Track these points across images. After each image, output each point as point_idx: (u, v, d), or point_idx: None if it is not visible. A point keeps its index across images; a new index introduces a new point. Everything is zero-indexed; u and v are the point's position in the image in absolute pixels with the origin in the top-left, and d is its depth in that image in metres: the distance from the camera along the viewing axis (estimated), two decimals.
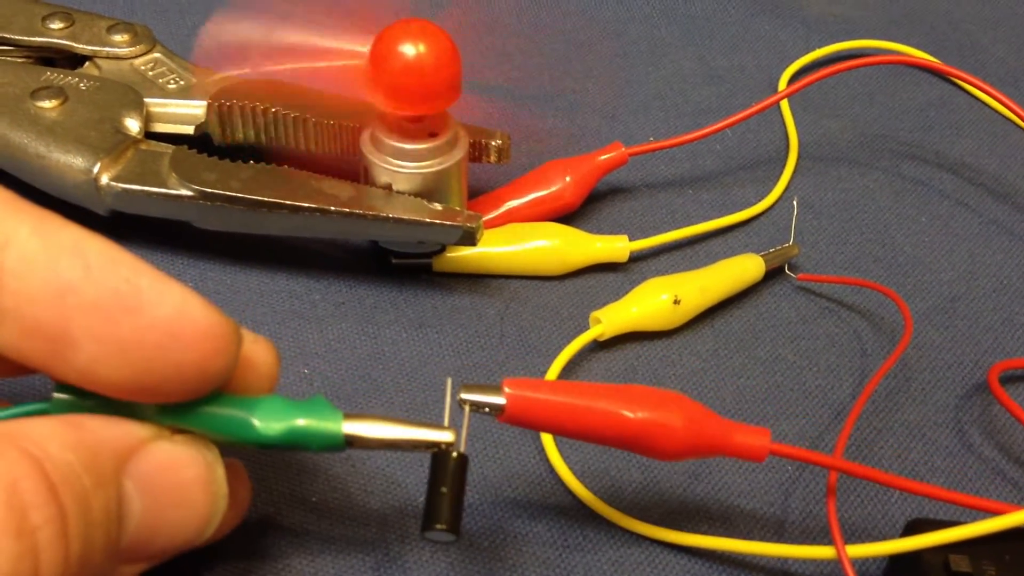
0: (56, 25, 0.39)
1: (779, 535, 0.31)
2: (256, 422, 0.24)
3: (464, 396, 0.26)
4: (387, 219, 0.34)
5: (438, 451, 0.26)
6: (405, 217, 0.34)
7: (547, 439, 0.32)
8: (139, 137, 0.36)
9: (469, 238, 0.34)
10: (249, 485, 0.27)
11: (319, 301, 0.36)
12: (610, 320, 0.35)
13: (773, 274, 0.38)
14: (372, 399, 0.33)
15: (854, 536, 0.31)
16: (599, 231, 0.39)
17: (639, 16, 0.51)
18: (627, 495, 0.31)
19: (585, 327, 0.35)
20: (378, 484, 0.31)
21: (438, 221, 0.34)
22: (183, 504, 0.23)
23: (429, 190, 0.35)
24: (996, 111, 0.47)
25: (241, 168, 0.35)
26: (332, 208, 0.34)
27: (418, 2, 0.49)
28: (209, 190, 0.34)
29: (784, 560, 0.30)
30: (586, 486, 0.31)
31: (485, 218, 0.37)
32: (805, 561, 0.30)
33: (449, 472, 0.25)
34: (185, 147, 0.35)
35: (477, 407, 0.26)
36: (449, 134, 0.35)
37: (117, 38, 0.39)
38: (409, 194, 0.35)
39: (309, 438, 0.25)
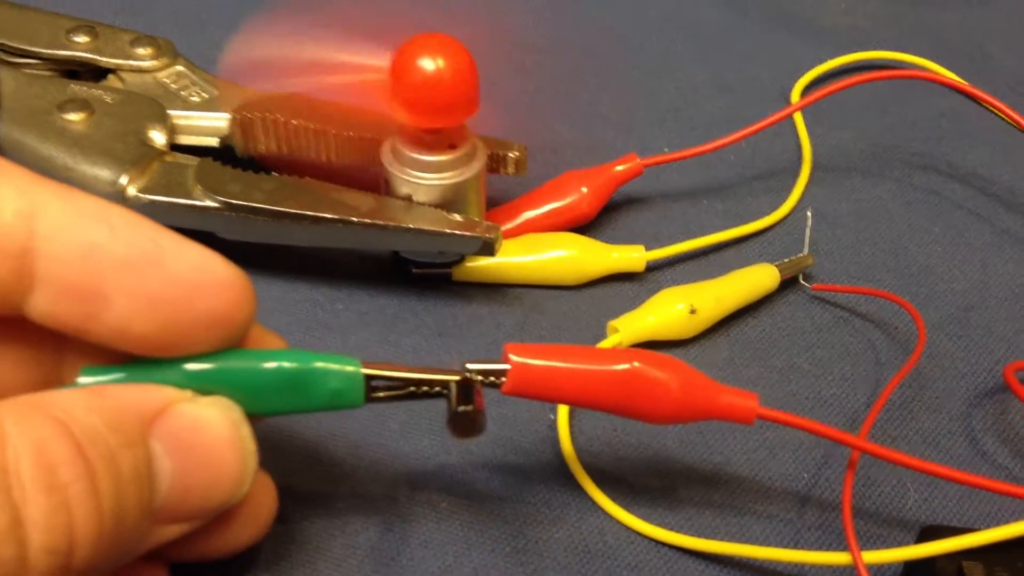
0: (80, 39, 0.40)
1: (795, 542, 0.31)
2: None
3: (470, 366, 0.27)
4: (408, 230, 0.35)
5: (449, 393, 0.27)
6: (425, 228, 0.35)
7: (566, 445, 0.33)
8: (164, 149, 0.36)
9: (488, 248, 0.35)
10: (275, 495, 0.28)
11: (341, 310, 0.37)
12: (627, 329, 0.35)
13: (788, 284, 0.39)
14: (393, 406, 0.34)
15: (868, 542, 0.31)
16: (615, 241, 0.39)
17: (654, 29, 0.51)
18: (646, 501, 0.32)
19: (602, 336, 0.36)
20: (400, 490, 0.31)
21: (458, 232, 0.35)
22: (212, 463, 0.24)
23: (448, 201, 0.35)
24: (1007, 121, 0.47)
25: (265, 180, 0.35)
26: (354, 219, 0.34)
27: (436, 16, 0.50)
28: (234, 201, 0.34)
29: (801, 566, 0.30)
30: (605, 492, 0.31)
31: (503, 228, 0.38)
32: (821, 567, 0.30)
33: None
34: (210, 159, 0.36)
35: (483, 375, 0.27)
36: (468, 146, 0.36)
37: (140, 51, 0.40)
38: (429, 205, 0.35)
39: (328, 376, 0.25)
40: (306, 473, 0.32)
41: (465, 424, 0.27)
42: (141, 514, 0.22)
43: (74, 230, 0.23)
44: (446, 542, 0.30)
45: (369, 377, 0.26)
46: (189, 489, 0.23)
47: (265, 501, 0.27)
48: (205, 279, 0.23)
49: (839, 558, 0.29)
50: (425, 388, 0.27)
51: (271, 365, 0.25)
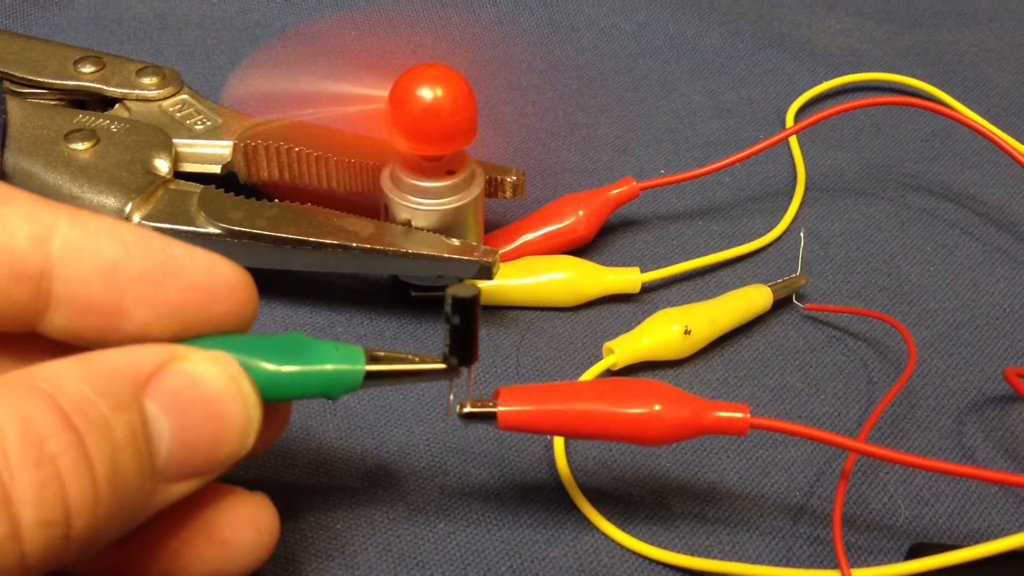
0: (87, 69, 0.41)
1: (788, 559, 0.32)
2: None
3: (465, 411, 0.28)
4: (407, 255, 0.35)
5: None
6: (424, 252, 0.35)
7: (562, 465, 0.33)
8: (168, 177, 0.37)
9: (486, 272, 0.36)
10: (276, 518, 0.28)
11: (341, 333, 0.37)
12: (623, 350, 0.36)
13: (781, 304, 0.39)
14: (393, 428, 0.34)
15: (859, 559, 0.32)
16: (611, 263, 0.40)
17: (650, 51, 0.52)
18: (640, 520, 0.32)
19: (599, 357, 0.37)
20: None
21: (456, 256, 0.35)
22: (213, 418, 0.23)
23: (447, 226, 0.36)
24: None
25: (266, 207, 0.36)
26: (354, 244, 0.35)
27: (435, 42, 0.51)
28: (236, 228, 0.35)
29: None
30: (600, 512, 0.32)
31: (501, 251, 0.38)
32: None
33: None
34: (213, 187, 0.37)
35: (477, 419, 0.28)
36: (466, 172, 0.37)
37: (146, 81, 0.41)
38: (428, 230, 0.36)
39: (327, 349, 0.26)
40: (304, 495, 0.32)
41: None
42: (142, 476, 0.22)
43: (90, 250, 0.24)
44: (443, 563, 0.31)
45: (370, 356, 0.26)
46: (192, 446, 0.23)
47: (266, 525, 0.27)
48: (217, 282, 0.25)
49: (829, 575, 0.30)
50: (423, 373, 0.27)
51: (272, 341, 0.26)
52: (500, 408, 0.28)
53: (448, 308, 0.26)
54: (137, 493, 0.22)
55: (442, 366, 0.27)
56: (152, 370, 0.23)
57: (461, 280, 0.38)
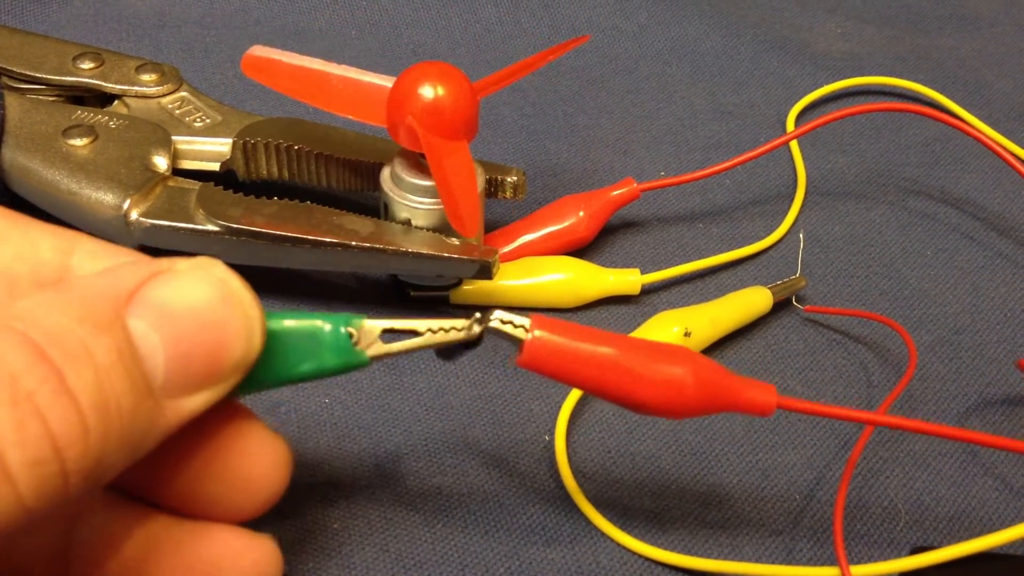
0: (86, 65, 0.41)
1: (787, 562, 0.31)
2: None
3: (490, 325, 0.26)
4: (406, 254, 0.35)
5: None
6: (424, 252, 0.35)
7: (563, 466, 0.33)
8: (167, 174, 0.37)
9: (485, 272, 0.35)
10: (286, 453, 0.27)
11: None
12: None
13: (781, 306, 0.39)
14: (391, 428, 0.34)
15: (859, 563, 0.31)
16: (612, 264, 0.40)
17: (651, 54, 0.52)
18: (640, 522, 0.32)
19: None
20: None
21: (456, 256, 0.35)
22: (209, 324, 0.22)
23: (447, 225, 0.36)
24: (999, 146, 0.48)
25: (265, 204, 0.36)
26: (353, 243, 0.35)
27: (435, 42, 0.51)
28: (235, 225, 0.35)
29: None
30: (601, 513, 0.32)
31: (501, 252, 0.38)
32: None
33: None
34: (211, 184, 0.36)
35: (501, 332, 0.26)
36: None
37: (145, 77, 0.40)
38: (427, 229, 0.36)
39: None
40: (301, 494, 0.32)
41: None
42: (138, 396, 0.21)
43: (108, 255, 0.24)
44: (441, 563, 0.31)
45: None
46: (192, 357, 0.22)
47: (277, 458, 0.26)
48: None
49: (828, 573, 0.29)
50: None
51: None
52: (536, 333, 0.26)
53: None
54: (136, 414, 0.21)
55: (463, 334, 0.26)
56: (133, 288, 0.22)
57: (461, 280, 0.38)
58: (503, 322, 0.26)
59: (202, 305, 0.22)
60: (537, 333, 0.26)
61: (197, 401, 0.23)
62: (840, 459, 0.34)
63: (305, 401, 0.35)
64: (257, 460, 0.25)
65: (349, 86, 0.37)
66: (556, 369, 0.26)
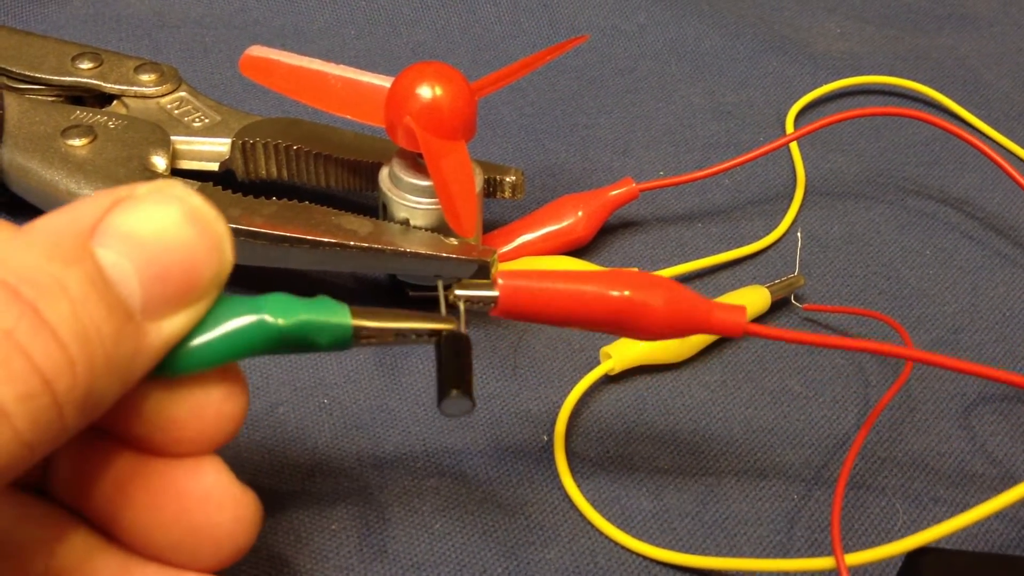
0: (85, 65, 0.41)
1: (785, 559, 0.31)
2: (267, 316, 0.24)
3: (459, 292, 0.27)
4: (404, 254, 0.35)
5: (439, 338, 0.26)
6: (422, 252, 0.35)
7: (561, 465, 0.33)
8: (166, 174, 0.37)
9: (484, 272, 0.35)
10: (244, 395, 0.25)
11: None
12: (620, 355, 0.36)
13: (780, 305, 0.39)
14: (389, 428, 0.34)
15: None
16: (611, 264, 0.40)
17: (650, 53, 0.52)
18: (638, 522, 0.32)
19: (596, 360, 0.36)
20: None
21: (454, 256, 0.35)
22: (178, 245, 0.22)
23: (445, 225, 0.36)
24: (999, 146, 0.48)
25: (264, 204, 0.36)
26: (351, 243, 0.35)
27: (434, 42, 0.51)
28: (234, 225, 0.35)
29: None
30: (599, 512, 0.32)
31: (499, 252, 0.38)
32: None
33: (454, 351, 0.26)
34: (210, 184, 0.36)
35: (472, 302, 0.27)
36: None
37: (144, 78, 0.40)
38: (426, 229, 0.36)
39: (319, 329, 0.25)
40: (299, 495, 0.32)
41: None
42: (119, 321, 0.21)
43: None
44: (439, 563, 0.31)
45: (357, 320, 0.25)
46: (165, 277, 0.22)
47: (242, 516, 0.25)
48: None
49: (823, 563, 0.29)
50: (413, 336, 0.26)
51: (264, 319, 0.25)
52: (502, 282, 0.27)
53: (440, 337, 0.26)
54: (120, 340, 0.21)
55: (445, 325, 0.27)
56: (95, 220, 0.22)
57: (459, 280, 0.38)
58: (472, 288, 0.27)
59: (168, 226, 0.22)
60: (502, 282, 0.27)
61: (179, 322, 0.23)
62: (837, 459, 0.34)
63: (303, 402, 0.35)
64: (222, 515, 0.25)
65: (347, 86, 0.37)
66: (530, 310, 0.28)
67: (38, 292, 0.20)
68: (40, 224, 0.22)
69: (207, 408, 0.24)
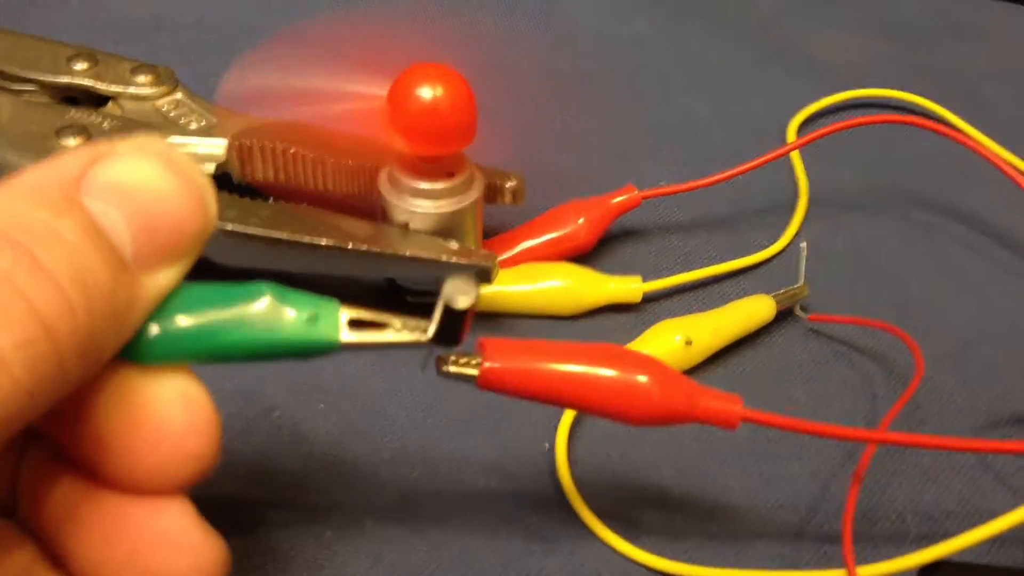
0: (80, 66, 0.40)
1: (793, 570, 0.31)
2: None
3: (445, 369, 0.26)
4: (404, 257, 0.34)
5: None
6: (421, 255, 0.34)
7: (563, 473, 0.32)
8: None
9: (485, 276, 0.35)
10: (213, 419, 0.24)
11: None
12: None
13: (784, 316, 0.39)
14: (386, 435, 0.33)
15: None
16: (612, 272, 0.39)
17: (653, 61, 0.52)
18: (642, 531, 0.31)
19: None
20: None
21: (454, 259, 0.34)
22: (164, 197, 0.22)
23: (445, 229, 0.35)
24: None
25: (261, 206, 0.35)
26: (350, 245, 0.34)
27: (434, 49, 0.50)
28: (230, 227, 0.34)
29: None
30: (602, 522, 0.31)
31: (500, 258, 0.38)
32: None
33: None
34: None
35: (456, 377, 0.26)
36: (465, 174, 0.36)
37: (140, 79, 0.40)
38: (426, 233, 0.35)
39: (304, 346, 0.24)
40: (290, 500, 0.31)
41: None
42: (114, 271, 0.21)
43: None
44: (437, 573, 0.30)
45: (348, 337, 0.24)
46: (155, 229, 0.22)
47: (203, 564, 0.24)
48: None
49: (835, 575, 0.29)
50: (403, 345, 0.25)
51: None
52: (478, 373, 0.26)
53: (441, 303, 0.25)
54: (117, 289, 0.21)
55: (425, 339, 0.25)
56: (79, 173, 0.21)
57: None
58: (456, 365, 0.26)
59: (152, 178, 0.22)
60: (487, 365, 0.26)
61: (170, 276, 0.22)
62: (845, 470, 0.34)
63: (299, 406, 0.34)
64: (178, 563, 0.23)
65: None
66: (516, 388, 0.26)
67: (32, 237, 0.19)
68: (23, 177, 0.21)
69: (166, 439, 0.23)
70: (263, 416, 0.34)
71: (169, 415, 0.23)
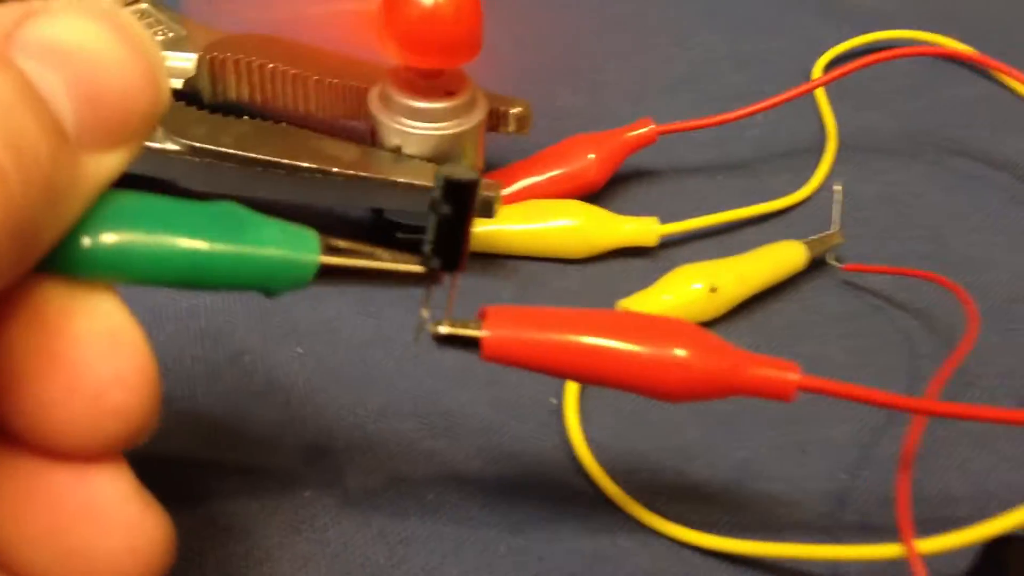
0: None
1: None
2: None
3: (439, 330, 0.22)
4: (395, 184, 0.30)
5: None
6: (416, 182, 0.30)
7: (574, 432, 0.28)
8: None
9: (486, 209, 0.31)
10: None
11: None
12: (640, 309, 0.31)
13: (815, 265, 0.35)
14: (372, 384, 0.29)
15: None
16: (625, 212, 0.35)
17: None
18: (663, 498, 0.27)
19: None
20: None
21: None
22: (108, 65, 0.18)
23: (443, 154, 0.31)
24: None
25: (234, 123, 0.31)
26: (334, 169, 0.30)
27: None
28: (198, 145, 0.30)
29: (843, 567, 0.26)
30: (619, 486, 0.27)
31: (503, 192, 0.34)
32: (868, 565, 0.26)
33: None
34: (172, 99, 0.31)
35: (455, 343, 0.22)
36: (467, 94, 0.32)
37: None
38: (421, 158, 0.31)
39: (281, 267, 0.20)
40: (263, 456, 0.27)
41: None
42: (52, 141, 0.17)
43: None
44: (431, 539, 0.26)
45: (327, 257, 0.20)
46: (98, 101, 0.18)
47: (140, 545, 0.19)
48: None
49: (889, 551, 0.25)
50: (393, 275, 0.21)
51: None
52: (486, 332, 0.22)
53: (438, 192, 0.20)
54: (57, 164, 0.17)
55: (419, 268, 0.21)
56: (8, 29, 0.18)
57: None
58: (452, 328, 0.22)
59: (96, 43, 0.18)
60: (492, 333, 0.22)
61: (114, 161, 0.18)
62: (888, 435, 0.30)
63: (273, 351, 0.30)
64: (107, 542, 0.19)
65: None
66: (526, 361, 0.22)
67: None
68: None
69: (84, 385, 0.18)
70: (231, 361, 0.29)
71: (89, 355, 0.18)
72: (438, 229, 0.20)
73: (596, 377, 0.22)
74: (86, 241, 0.18)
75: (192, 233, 0.19)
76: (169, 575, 0.19)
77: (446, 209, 0.20)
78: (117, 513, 0.19)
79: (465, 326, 0.22)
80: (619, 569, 0.26)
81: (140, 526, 0.19)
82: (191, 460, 0.27)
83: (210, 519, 0.26)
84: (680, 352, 0.22)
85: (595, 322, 0.23)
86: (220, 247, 0.19)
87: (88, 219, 0.18)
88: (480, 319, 0.22)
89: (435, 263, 0.21)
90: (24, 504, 0.18)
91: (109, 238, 0.18)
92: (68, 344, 0.18)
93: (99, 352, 0.18)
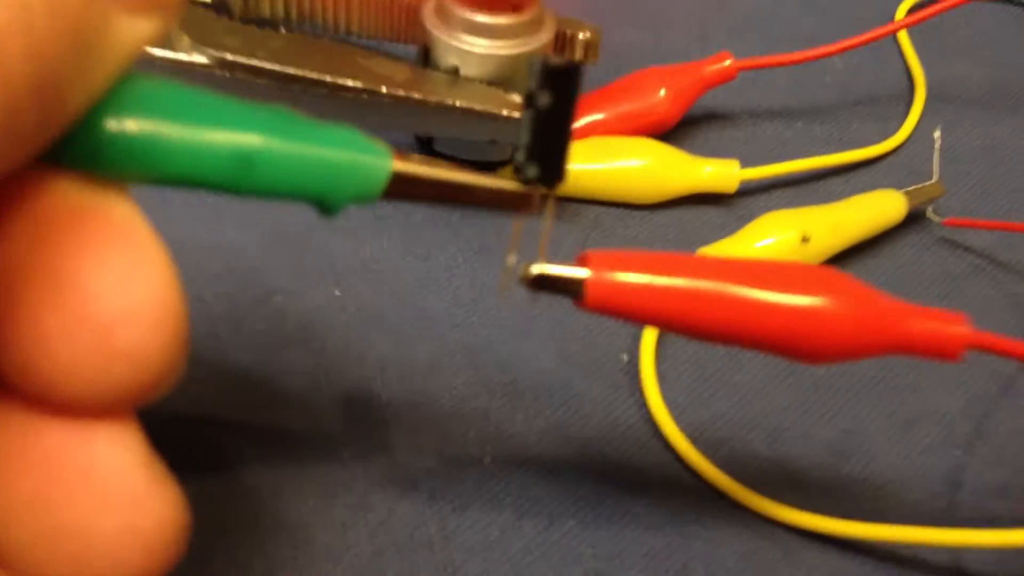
0: None
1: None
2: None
3: (537, 272, 0.18)
4: (452, 108, 0.27)
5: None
6: (475, 108, 0.27)
7: (651, 393, 0.25)
8: None
9: None
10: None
11: (354, 212, 0.29)
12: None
13: (911, 221, 0.31)
14: (422, 332, 0.26)
15: None
16: (700, 153, 0.32)
17: None
18: (753, 472, 0.24)
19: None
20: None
21: (516, 115, 0.27)
22: None
23: (505, 77, 0.28)
24: None
25: (270, 36, 0.27)
26: (384, 90, 0.27)
27: None
28: (230, 57, 0.27)
29: (956, 554, 0.23)
30: (701, 453, 0.24)
31: None
32: (991, 553, 0.23)
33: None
34: (201, 7, 0.28)
35: (553, 288, 0.19)
36: (534, 11, 0.28)
37: None
38: (480, 81, 0.28)
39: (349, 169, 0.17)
40: (299, 412, 0.24)
41: None
42: None
43: None
44: (490, 510, 0.23)
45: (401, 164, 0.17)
46: None
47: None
48: None
49: (1016, 538, 0.21)
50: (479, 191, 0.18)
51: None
52: (592, 274, 0.18)
53: (535, 82, 0.17)
54: (87, 16, 0.14)
55: (511, 185, 0.18)
56: None
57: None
58: (550, 270, 0.18)
59: None
60: (601, 276, 0.18)
61: (147, 27, 0.15)
62: (1004, 405, 0.26)
63: (308, 291, 0.27)
64: (101, 521, 0.15)
65: None
66: (637, 310, 0.19)
67: None
68: None
69: (89, 316, 0.14)
70: (261, 302, 0.26)
71: (100, 276, 0.14)
72: (534, 128, 0.17)
73: (723, 332, 0.19)
74: (111, 124, 0.14)
75: (240, 126, 0.15)
76: (186, 552, 0.16)
77: (546, 100, 0.17)
78: (119, 485, 0.15)
79: (564, 267, 0.18)
80: (705, 551, 0.22)
81: (146, 503, 0.15)
82: (210, 415, 0.24)
83: (233, 482, 0.22)
84: (830, 302, 0.19)
85: (720, 268, 0.19)
86: (276, 142, 0.15)
87: (113, 101, 0.15)
88: (582, 260, 0.18)
89: (532, 172, 0.17)
90: (6, 467, 0.15)
91: (138, 124, 0.15)
92: (75, 260, 0.14)
93: (113, 274, 0.14)
